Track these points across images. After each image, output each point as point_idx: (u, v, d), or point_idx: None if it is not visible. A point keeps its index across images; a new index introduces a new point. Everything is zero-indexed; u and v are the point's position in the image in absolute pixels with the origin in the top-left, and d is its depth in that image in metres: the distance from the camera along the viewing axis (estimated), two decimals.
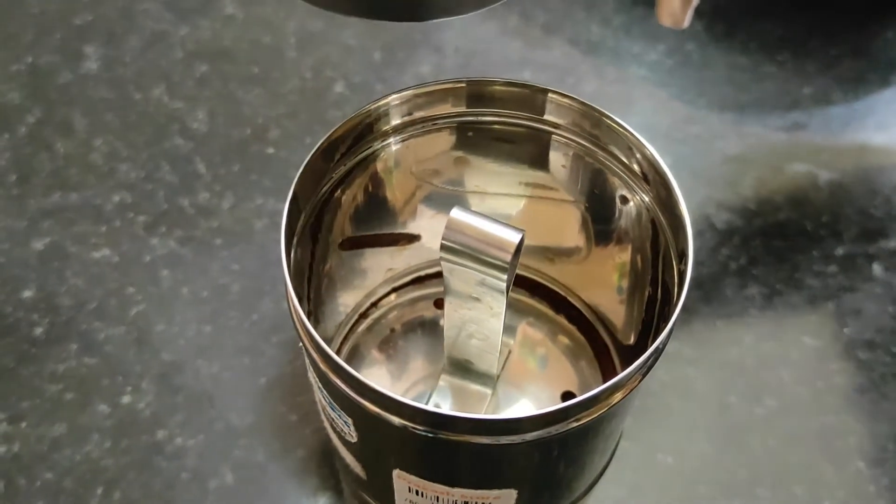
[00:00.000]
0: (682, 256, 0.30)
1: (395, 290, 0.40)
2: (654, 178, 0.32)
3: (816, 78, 0.52)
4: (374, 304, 0.40)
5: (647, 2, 0.55)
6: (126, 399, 0.41)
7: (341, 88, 0.51)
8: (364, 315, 0.40)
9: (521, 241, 0.29)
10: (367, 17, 0.27)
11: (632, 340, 0.37)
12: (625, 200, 0.34)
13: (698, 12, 0.35)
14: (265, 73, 0.51)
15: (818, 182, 0.48)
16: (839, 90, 0.52)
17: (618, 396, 0.28)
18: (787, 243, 0.46)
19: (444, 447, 0.28)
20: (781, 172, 0.48)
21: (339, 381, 0.28)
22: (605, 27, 0.54)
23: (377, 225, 0.38)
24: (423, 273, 0.40)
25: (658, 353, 0.29)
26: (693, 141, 0.50)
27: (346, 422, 0.30)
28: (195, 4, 0.54)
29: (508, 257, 0.29)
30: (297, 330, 0.30)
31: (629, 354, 0.37)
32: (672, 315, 0.28)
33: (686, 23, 0.33)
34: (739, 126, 0.50)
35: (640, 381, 0.29)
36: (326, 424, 0.34)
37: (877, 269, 0.45)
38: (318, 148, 0.32)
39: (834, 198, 0.48)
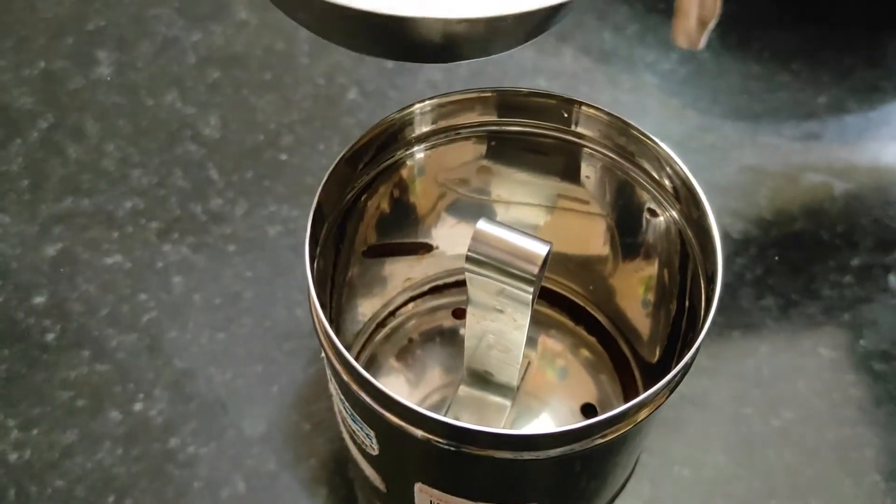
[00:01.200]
0: (711, 276, 0.30)
1: (413, 299, 0.40)
2: (684, 195, 0.32)
3: (831, 87, 0.52)
4: (392, 314, 0.40)
5: (660, 10, 0.55)
6: (138, 406, 0.40)
7: (354, 95, 0.51)
8: (382, 324, 0.40)
9: (549, 253, 0.29)
10: (398, 59, 0.27)
11: (656, 355, 0.36)
12: (653, 214, 0.34)
13: None
14: (278, 80, 0.51)
15: (833, 192, 0.48)
16: (854, 100, 0.52)
17: (644, 413, 0.28)
18: (803, 254, 0.46)
19: (466, 461, 0.28)
20: (796, 182, 0.48)
21: (362, 393, 0.28)
22: (618, 35, 0.54)
23: (400, 233, 0.38)
24: (441, 282, 0.40)
25: (686, 369, 0.29)
26: (708, 150, 0.49)
27: (367, 434, 0.30)
28: (208, 10, 0.54)
29: (535, 270, 0.29)
30: (320, 340, 0.29)
31: (650, 368, 0.37)
32: (700, 334, 0.28)
33: (702, 44, 0.32)
34: (754, 135, 0.50)
35: (666, 398, 0.29)
36: (346, 436, 0.34)
37: (893, 279, 0.45)
38: (343, 156, 0.31)
39: (849, 208, 0.47)
